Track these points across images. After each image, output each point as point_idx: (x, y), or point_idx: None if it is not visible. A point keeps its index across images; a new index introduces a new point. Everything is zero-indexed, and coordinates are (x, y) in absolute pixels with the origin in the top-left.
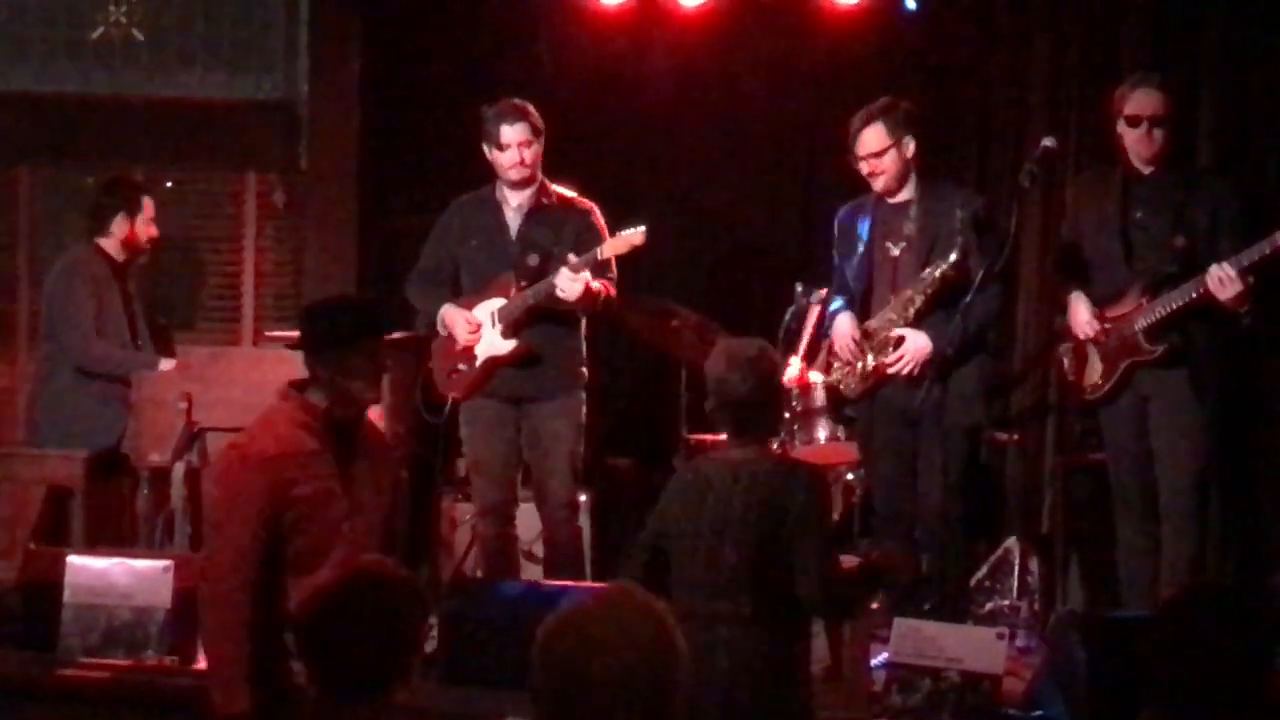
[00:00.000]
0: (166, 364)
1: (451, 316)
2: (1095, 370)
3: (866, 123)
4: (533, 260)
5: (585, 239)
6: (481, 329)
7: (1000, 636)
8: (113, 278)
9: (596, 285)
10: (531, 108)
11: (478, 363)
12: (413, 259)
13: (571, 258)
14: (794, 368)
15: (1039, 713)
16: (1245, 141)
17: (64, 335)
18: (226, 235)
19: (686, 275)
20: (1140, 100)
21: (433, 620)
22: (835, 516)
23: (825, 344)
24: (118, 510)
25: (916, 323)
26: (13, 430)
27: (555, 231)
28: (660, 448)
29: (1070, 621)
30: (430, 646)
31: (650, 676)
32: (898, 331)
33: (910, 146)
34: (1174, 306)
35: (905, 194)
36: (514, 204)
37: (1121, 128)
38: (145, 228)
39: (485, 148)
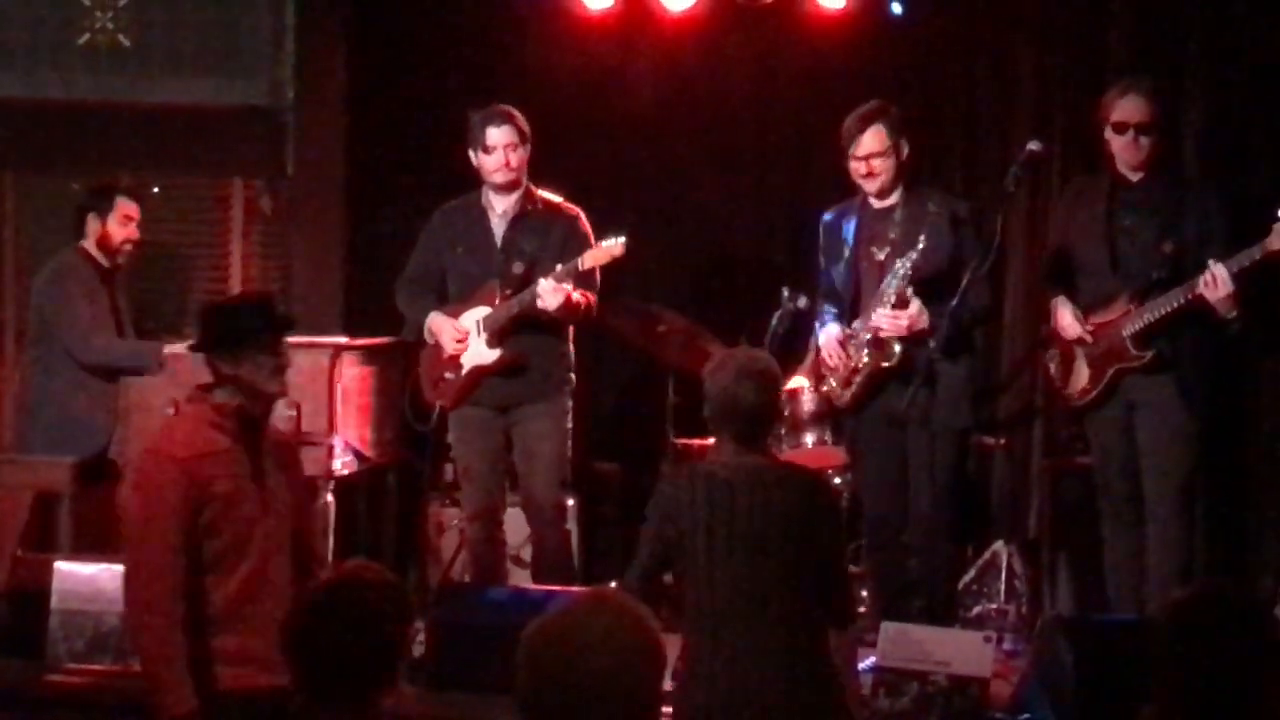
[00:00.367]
0: (172, 347)
1: (438, 325)
2: (1082, 376)
3: (868, 123)
4: (518, 268)
5: (571, 245)
6: (468, 338)
7: (988, 640)
8: (100, 282)
9: (578, 296)
10: (518, 112)
11: (464, 371)
12: (399, 265)
13: (559, 268)
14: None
15: (1026, 716)
16: (1232, 148)
17: (64, 334)
18: (213, 241)
19: (673, 280)
20: (1127, 107)
21: (419, 625)
22: None
23: (812, 352)
24: (105, 516)
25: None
26: (0, 436)
27: (541, 238)
28: (647, 452)
29: (1057, 625)
30: (417, 651)
31: (634, 680)
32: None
33: (905, 149)
34: (1163, 312)
35: (891, 198)
36: (499, 210)
37: (1108, 134)
38: (119, 228)
39: (471, 152)
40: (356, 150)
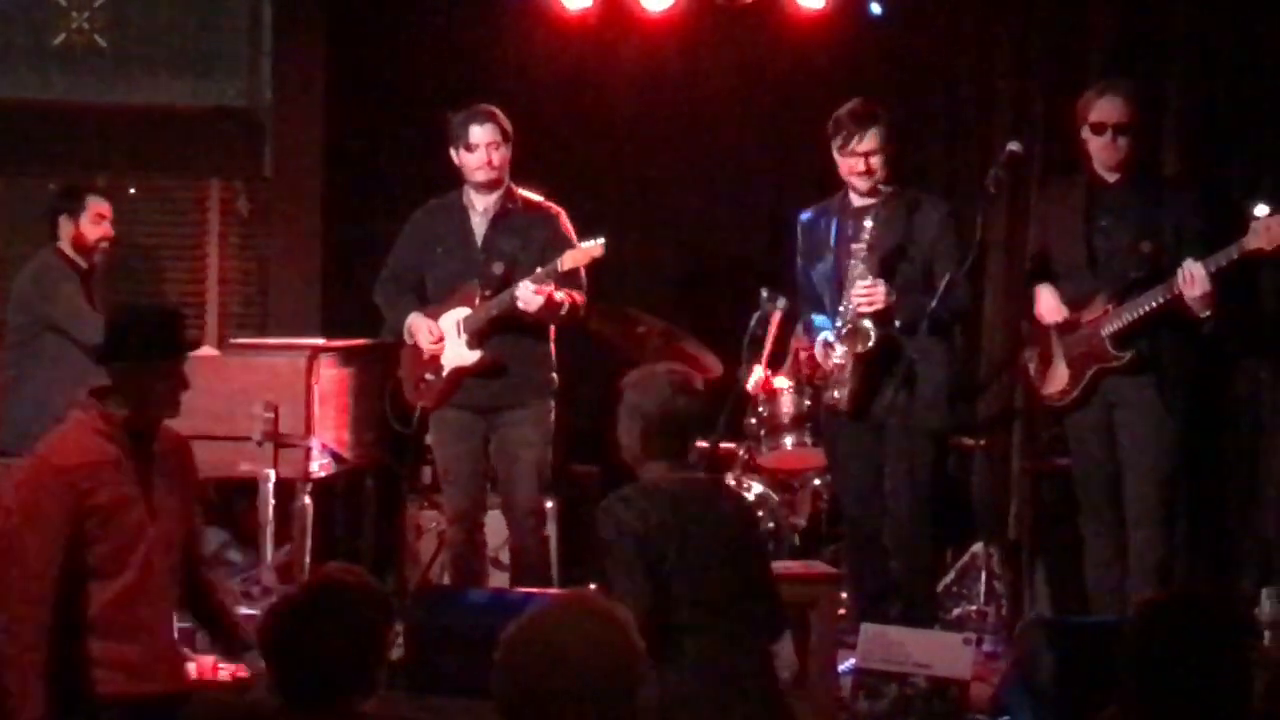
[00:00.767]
0: None
1: (416, 325)
2: (1062, 377)
3: (872, 122)
4: (498, 269)
5: (552, 245)
6: (445, 339)
7: (968, 642)
8: (79, 284)
9: (560, 296)
10: (500, 112)
11: (444, 373)
12: (377, 266)
13: (538, 271)
14: (758, 374)
15: (1006, 718)
16: (1209, 149)
17: (75, 328)
18: (190, 243)
19: (652, 282)
20: (1105, 108)
21: (399, 628)
22: (802, 522)
23: (791, 354)
24: None
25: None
26: None
27: (521, 238)
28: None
29: (1038, 627)
30: (396, 654)
31: (612, 683)
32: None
33: (894, 150)
34: (1141, 312)
35: (872, 197)
36: (480, 208)
37: (1086, 135)
38: (93, 227)
39: (453, 150)
40: (334, 151)
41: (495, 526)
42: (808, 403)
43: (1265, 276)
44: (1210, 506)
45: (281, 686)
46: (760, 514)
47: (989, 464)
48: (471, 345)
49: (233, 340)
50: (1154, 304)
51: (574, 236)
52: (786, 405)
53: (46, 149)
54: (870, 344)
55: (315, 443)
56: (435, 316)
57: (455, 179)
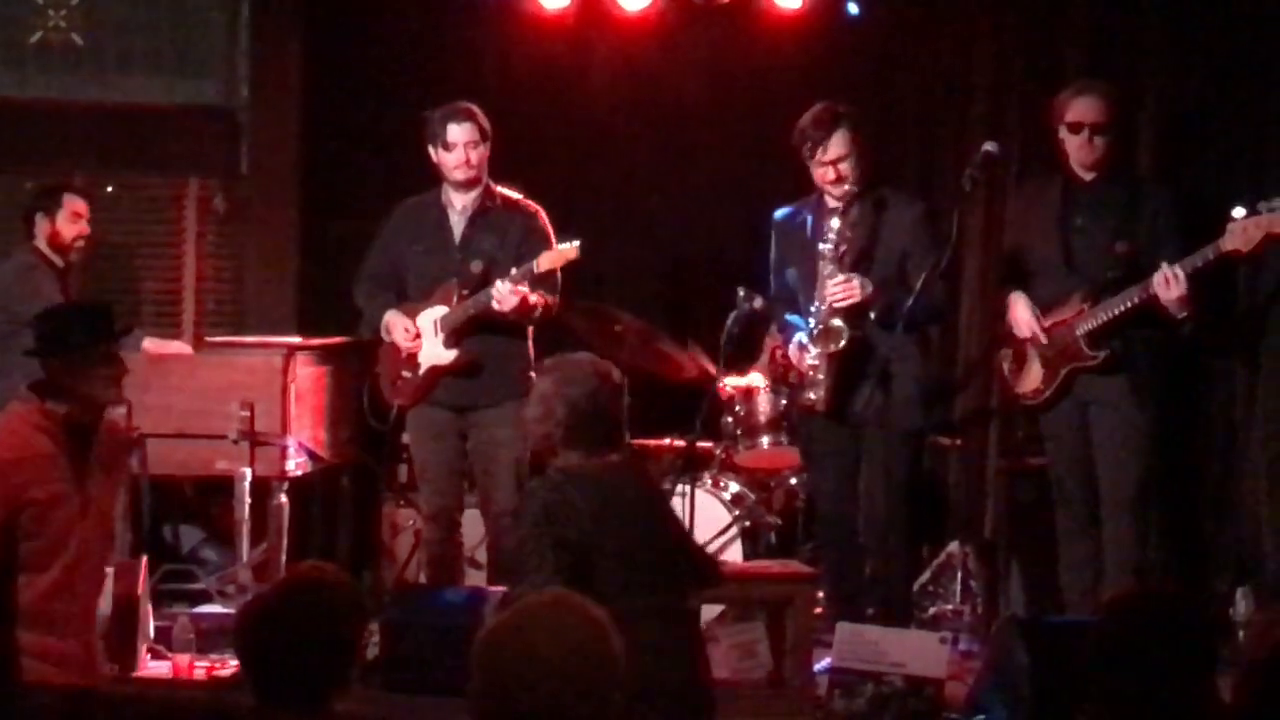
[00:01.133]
0: (151, 343)
1: (393, 323)
2: (1036, 376)
3: (833, 127)
4: (476, 267)
5: (530, 242)
6: (423, 336)
7: (943, 641)
8: (56, 281)
9: (535, 299)
10: (479, 110)
11: (421, 371)
12: (354, 264)
13: (514, 271)
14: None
15: (981, 717)
16: (1186, 149)
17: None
18: (166, 241)
19: (628, 280)
20: (1081, 107)
21: (374, 626)
22: (779, 521)
23: (767, 353)
24: None
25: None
26: None
27: (500, 235)
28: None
29: (1013, 626)
30: (372, 653)
31: (588, 682)
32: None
33: (866, 147)
34: (1116, 311)
35: (850, 199)
36: (459, 207)
37: (1063, 134)
38: (69, 226)
39: (431, 149)
40: (311, 150)
41: (472, 525)
42: (784, 402)
43: (1241, 278)
44: (1185, 506)
45: (256, 684)
46: (737, 513)
47: (965, 463)
48: (448, 344)
49: (209, 338)
50: (1129, 304)
51: (552, 234)
52: (763, 405)
53: (23, 147)
54: (842, 344)
55: (291, 441)
56: (413, 314)
57: (433, 177)
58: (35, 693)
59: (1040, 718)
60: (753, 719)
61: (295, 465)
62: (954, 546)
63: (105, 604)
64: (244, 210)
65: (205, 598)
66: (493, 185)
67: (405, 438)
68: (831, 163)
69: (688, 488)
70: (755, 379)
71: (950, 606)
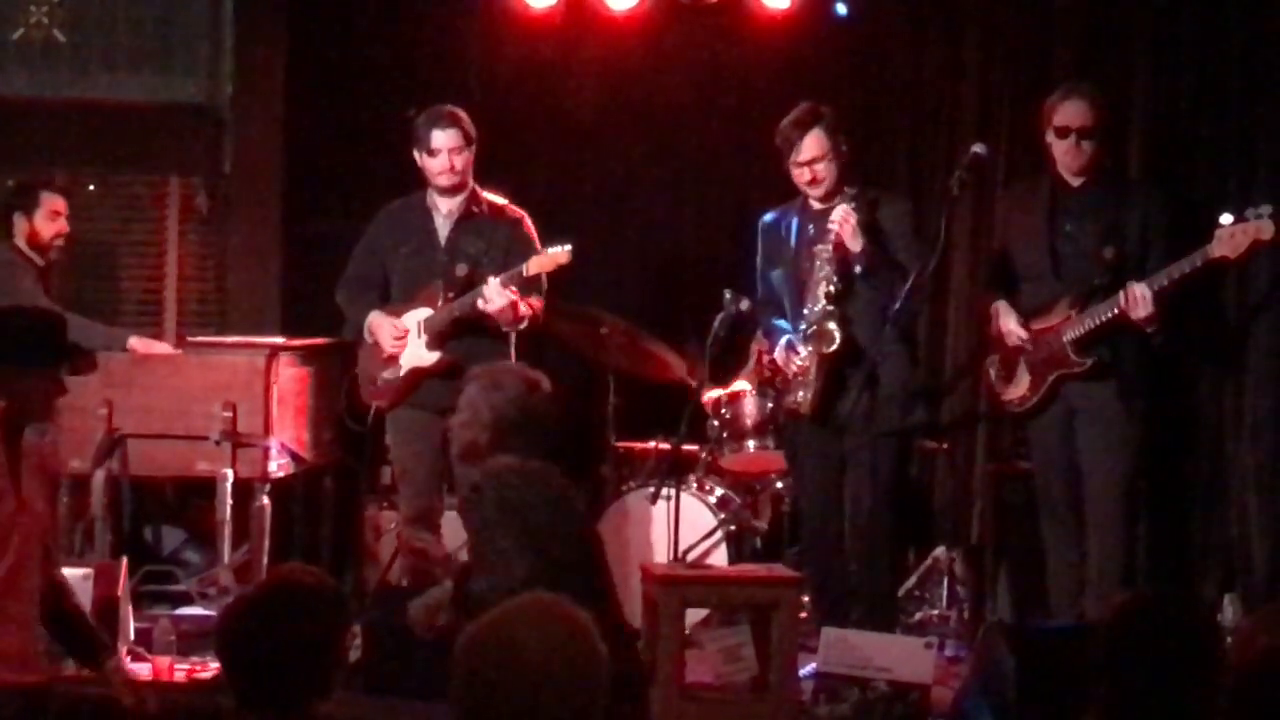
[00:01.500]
0: (139, 342)
1: (377, 323)
2: (1023, 382)
3: (807, 128)
4: (461, 270)
5: (515, 248)
6: (407, 337)
7: (929, 646)
8: (36, 280)
9: (524, 308)
10: (464, 115)
11: (403, 372)
12: (337, 265)
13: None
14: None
15: None
16: (1174, 154)
17: None
18: (148, 239)
19: (614, 282)
20: (1069, 111)
21: (356, 629)
22: (764, 525)
23: (754, 357)
24: None
25: (838, 303)
26: None
27: (485, 240)
28: (587, 456)
29: (999, 631)
30: (354, 655)
31: (572, 687)
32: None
33: (844, 149)
34: (1100, 320)
35: (830, 200)
36: (444, 211)
37: (1050, 138)
38: (48, 224)
39: (416, 153)
40: (294, 149)
41: (454, 528)
42: (770, 406)
43: (1228, 284)
44: (1172, 512)
45: (237, 687)
46: (722, 517)
47: (952, 467)
48: (431, 346)
49: (191, 338)
50: (1107, 316)
51: (537, 241)
52: (749, 408)
53: (4, 145)
54: (835, 345)
55: (274, 442)
56: (397, 316)
57: (418, 178)
58: None
59: None
60: None
61: (278, 467)
62: (940, 551)
63: (85, 605)
64: (227, 209)
65: (186, 599)
66: (478, 190)
67: (388, 439)
68: (806, 163)
69: (673, 491)
70: (741, 383)
71: (936, 611)
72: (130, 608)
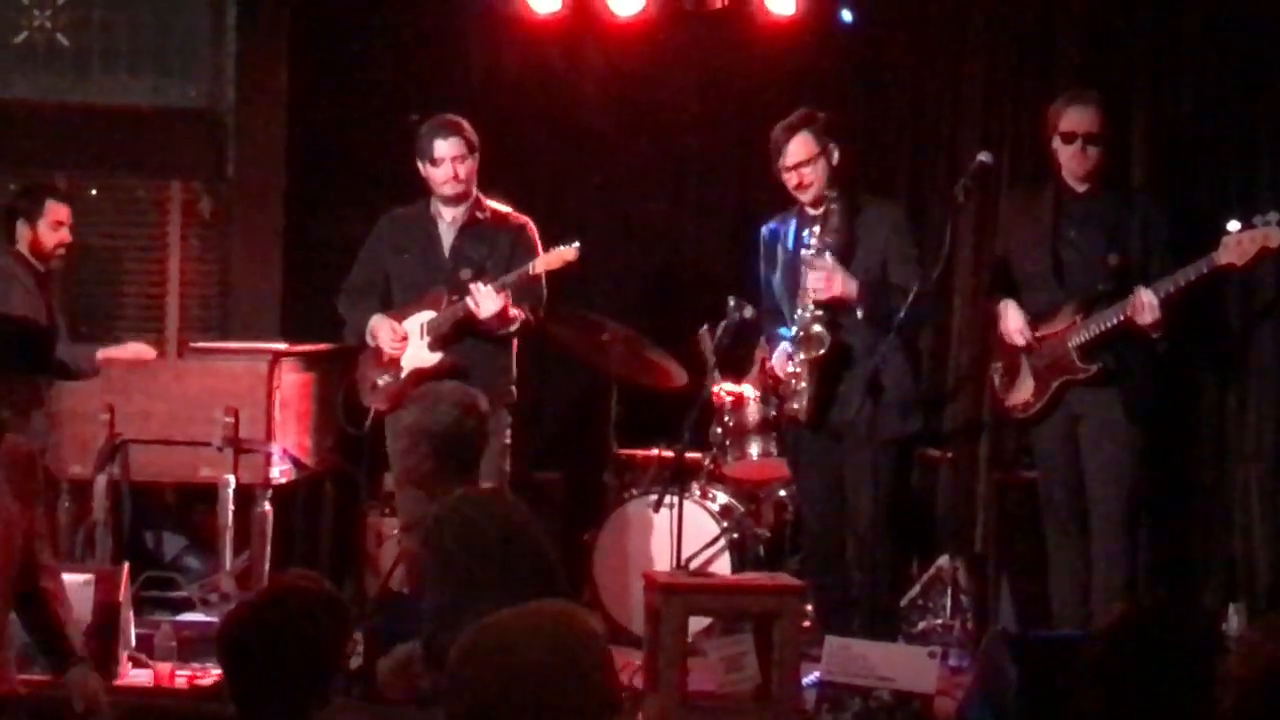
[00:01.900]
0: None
1: (378, 325)
2: (1027, 388)
3: (792, 133)
4: (465, 274)
5: (519, 254)
6: (408, 339)
7: (932, 655)
8: (36, 287)
9: (514, 312)
10: (466, 123)
11: (403, 374)
12: (340, 269)
13: (509, 275)
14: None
15: None
16: (1179, 160)
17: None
18: (150, 244)
19: (617, 288)
20: (1074, 117)
21: (358, 637)
22: (767, 533)
23: (757, 364)
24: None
25: (827, 307)
26: None
27: (489, 246)
28: (589, 463)
29: (1002, 641)
30: (355, 663)
31: (577, 703)
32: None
33: (835, 154)
34: (1106, 326)
35: (826, 205)
36: (448, 219)
37: (1056, 144)
38: (51, 233)
39: (419, 163)
40: (297, 153)
41: None
42: (773, 412)
43: (1231, 291)
44: (1176, 520)
45: (238, 694)
46: (725, 524)
47: (955, 476)
48: (433, 348)
49: (193, 344)
50: (1112, 322)
51: (540, 247)
52: (752, 415)
53: (5, 148)
54: (824, 349)
55: (276, 448)
56: (400, 320)
57: (421, 185)
58: None
59: None
60: None
61: (280, 473)
62: (944, 560)
63: (85, 611)
64: (229, 214)
65: (187, 605)
66: (482, 198)
67: (387, 444)
68: (793, 168)
69: (675, 499)
70: (746, 390)
71: (940, 621)
72: (131, 614)
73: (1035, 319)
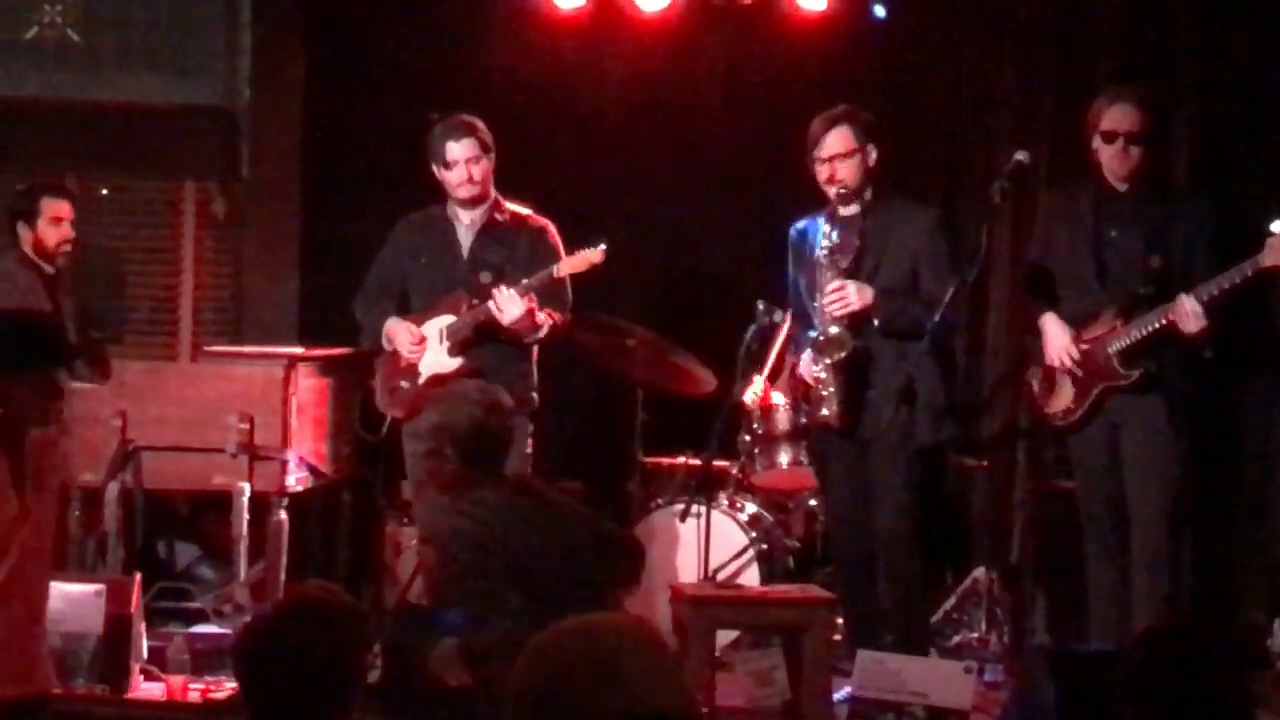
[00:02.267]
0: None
1: (395, 329)
2: (1066, 394)
3: (832, 125)
4: (485, 278)
5: (539, 256)
6: (426, 343)
7: (968, 670)
8: (43, 290)
9: (542, 317)
10: (479, 123)
11: (421, 380)
12: (357, 272)
13: (532, 278)
14: (757, 388)
15: None
16: (1221, 161)
17: None
18: (163, 246)
19: (642, 292)
20: (1116, 115)
21: (376, 649)
22: (797, 544)
23: (788, 369)
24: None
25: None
26: None
27: (509, 249)
28: (613, 472)
29: (1040, 656)
30: (373, 676)
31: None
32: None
33: (873, 155)
34: (1148, 330)
35: (857, 206)
36: (466, 221)
37: (1097, 143)
38: (51, 231)
39: (434, 168)
40: (313, 153)
41: None
42: (803, 420)
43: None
44: (1219, 531)
45: (254, 708)
46: (754, 535)
47: (991, 485)
48: (453, 352)
49: (207, 348)
50: (1156, 325)
51: (561, 249)
52: (782, 422)
53: (15, 147)
54: (845, 352)
55: (292, 455)
56: (418, 324)
57: (438, 189)
58: None
59: None
60: None
61: (296, 481)
62: (979, 572)
63: (96, 622)
64: (244, 215)
65: (201, 617)
66: (500, 199)
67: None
68: (827, 160)
69: (702, 508)
70: (776, 397)
71: (975, 634)
72: (143, 625)
73: (1075, 323)
